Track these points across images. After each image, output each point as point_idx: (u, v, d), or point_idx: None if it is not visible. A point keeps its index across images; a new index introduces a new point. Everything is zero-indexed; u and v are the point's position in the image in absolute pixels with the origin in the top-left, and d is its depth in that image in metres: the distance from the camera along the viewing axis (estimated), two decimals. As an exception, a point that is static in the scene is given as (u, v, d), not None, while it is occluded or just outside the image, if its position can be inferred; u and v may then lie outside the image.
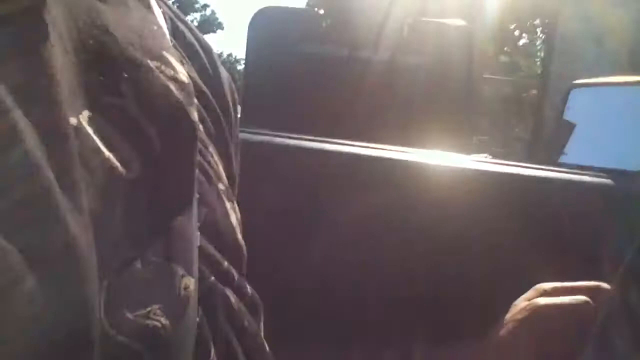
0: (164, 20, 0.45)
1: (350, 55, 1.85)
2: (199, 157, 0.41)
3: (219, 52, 30.91)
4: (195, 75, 0.46)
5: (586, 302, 0.57)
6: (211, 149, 0.46)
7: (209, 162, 0.44)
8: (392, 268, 0.93)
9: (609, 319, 0.53)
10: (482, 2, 11.82)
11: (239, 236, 0.46)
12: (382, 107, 1.80)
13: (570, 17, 9.56)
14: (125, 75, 0.32)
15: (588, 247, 0.88)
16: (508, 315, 0.64)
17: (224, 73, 0.54)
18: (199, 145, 0.41)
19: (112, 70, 0.31)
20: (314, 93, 1.72)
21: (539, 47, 15.90)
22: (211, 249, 0.40)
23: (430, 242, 0.93)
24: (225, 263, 0.42)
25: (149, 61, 0.34)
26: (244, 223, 0.49)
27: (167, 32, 0.44)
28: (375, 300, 0.94)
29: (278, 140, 0.99)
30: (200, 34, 0.53)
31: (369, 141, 1.06)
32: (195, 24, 28.67)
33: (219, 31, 30.19)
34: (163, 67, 0.36)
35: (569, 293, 0.61)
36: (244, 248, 0.47)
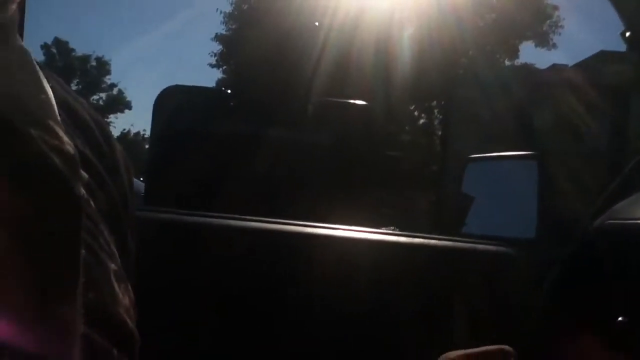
0: (52, 93, 0.43)
1: (258, 132, 1.87)
2: (86, 236, 0.38)
3: (125, 130, 30.39)
4: (86, 149, 0.44)
5: None
6: (102, 226, 0.43)
7: (98, 241, 0.41)
8: (300, 337, 0.91)
9: None
10: (383, 85, 12.57)
11: (130, 322, 0.43)
12: (290, 183, 1.82)
13: (463, 100, 10.36)
14: None
15: (491, 312, 0.90)
16: None
17: (118, 149, 0.52)
18: (87, 222, 0.38)
19: None
20: (221, 170, 1.70)
21: (437, 126, 16.97)
22: (97, 338, 0.37)
23: (340, 313, 0.92)
24: (115, 351, 0.38)
25: (31, 129, 0.32)
26: (144, 303, 0.46)
27: (54, 103, 0.42)
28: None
29: (185, 218, 0.96)
30: (93, 111, 0.51)
31: (279, 217, 1.05)
32: (102, 103, 28.12)
33: (126, 111, 29.73)
34: (47, 137, 0.34)
35: None
36: (137, 335, 0.43)
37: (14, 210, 0.29)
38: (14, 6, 0.41)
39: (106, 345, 0.38)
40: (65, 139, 0.36)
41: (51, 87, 0.44)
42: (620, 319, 0.52)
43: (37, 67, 0.45)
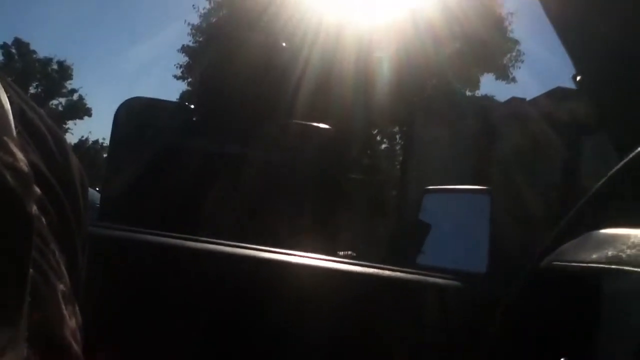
0: (9, 105, 0.43)
1: (220, 150, 1.86)
2: (35, 254, 0.37)
3: (83, 138, 29.71)
4: (41, 164, 0.43)
5: None
6: (52, 245, 0.42)
7: (47, 260, 0.40)
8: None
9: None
10: (348, 108, 12.71)
11: (76, 345, 0.42)
12: (249, 202, 1.81)
13: (424, 127, 10.56)
14: None
15: (440, 345, 0.92)
16: None
17: (74, 162, 0.51)
18: (37, 241, 0.37)
19: None
20: (179, 186, 1.68)
21: (398, 152, 17.22)
22: None
23: (291, 339, 0.92)
24: None
25: None
26: (95, 321, 0.45)
27: (11, 117, 0.41)
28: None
29: (136, 236, 0.95)
30: (50, 122, 0.50)
31: (236, 238, 1.05)
32: (61, 108, 27.45)
33: (86, 118, 29.07)
34: (1, 154, 0.33)
35: None
36: (82, 358, 0.42)
37: None
38: None
39: None
40: (20, 155, 0.35)
41: (8, 97, 0.44)
42: (562, 359, 0.54)
43: None
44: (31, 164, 0.40)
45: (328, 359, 0.93)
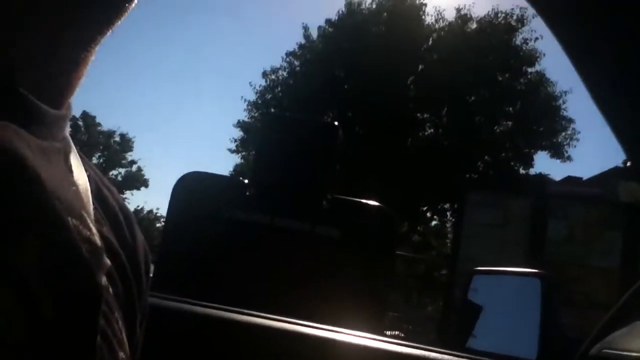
0: (88, 182, 0.47)
1: (272, 223, 1.90)
2: (102, 322, 0.41)
3: (139, 207, 30.56)
4: (112, 237, 0.47)
5: None
6: (117, 314, 0.45)
7: (112, 329, 0.43)
8: None
9: None
10: (398, 184, 12.72)
11: None
12: (299, 277, 1.82)
13: (475, 204, 10.37)
14: (32, 236, 0.32)
15: None
16: None
17: (140, 237, 0.55)
18: (105, 308, 0.41)
19: (23, 229, 0.32)
20: (232, 259, 1.72)
21: (449, 229, 16.90)
22: None
23: None
24: None
25: (70, 219, 0.36)
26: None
27: (89, 193, 0.46)
28: None
29: (189, 308, 0.98)
30: (121, 199, 0.55)
31: (285, 312, 1.06)
32: (120, 179, 28.57)
33: (142, 188, 30.11)
34: (80, 227, 0.37)
35: None
36: None
37: (41, 293, 0.32)
38: (70, 100, 0.46)
39: None
40: (94, 230, 0.39)
41: (88, 175, 0.49)
42: None
43: (78, 157, 0.49)
44: (104, 237, 0.44)
45: None
